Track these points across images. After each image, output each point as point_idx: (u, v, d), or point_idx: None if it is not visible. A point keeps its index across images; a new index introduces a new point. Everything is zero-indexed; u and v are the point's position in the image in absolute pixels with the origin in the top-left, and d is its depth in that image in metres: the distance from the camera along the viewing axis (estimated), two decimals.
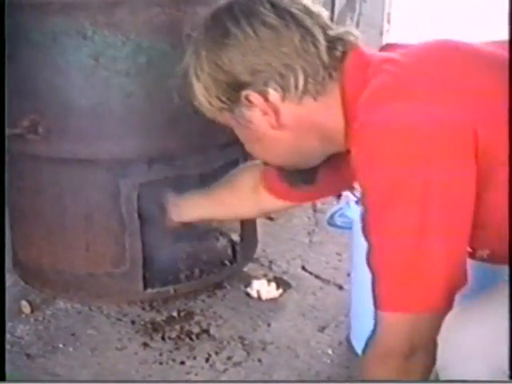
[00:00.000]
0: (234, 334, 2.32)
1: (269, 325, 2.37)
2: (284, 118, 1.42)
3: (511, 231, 1.24)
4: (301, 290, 2.57)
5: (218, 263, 2.54)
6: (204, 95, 1.45)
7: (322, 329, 2.36)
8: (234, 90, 1.41)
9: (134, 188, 2.23)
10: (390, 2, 4.96)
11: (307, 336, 2.32)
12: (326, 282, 2.62)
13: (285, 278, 2.61)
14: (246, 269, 2.63)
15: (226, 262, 2.55)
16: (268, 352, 2.25)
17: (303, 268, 2.70)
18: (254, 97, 1.40)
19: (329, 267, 2.72)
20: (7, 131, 2.14)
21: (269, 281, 2.50)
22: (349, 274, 2.59)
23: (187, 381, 2.10)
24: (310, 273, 2.67)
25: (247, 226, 2.58)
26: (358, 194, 1.97)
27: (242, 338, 2.30)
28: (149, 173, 2.24)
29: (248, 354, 2.24)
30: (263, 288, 2.48)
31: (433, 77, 1.32)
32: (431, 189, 1.23)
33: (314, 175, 1.63)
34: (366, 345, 1.42)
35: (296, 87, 1.38)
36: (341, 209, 2.06)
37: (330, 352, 2.25)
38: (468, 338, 1.24)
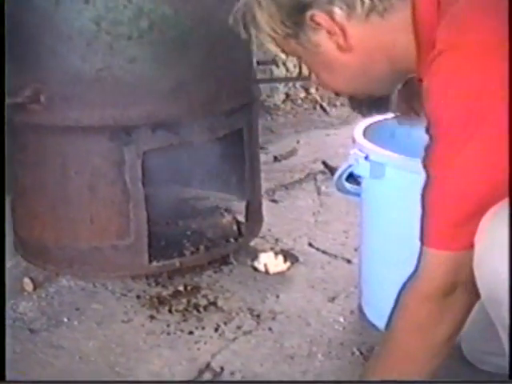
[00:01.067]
0: (243, 305, 2.28)
1: (277, 296, 2.33)
2: (351, 39, 1.35)
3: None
4: (309, 264, 2.52)
5: (223, 239, 2.50)
6: (268, 23, 1.38)
7: (332, 299, 2.32)
8: (298, 12, 1.34)
9: (138, 156, 2.20)
10: None
11: (317, 306, 2.28)
12: (334, 256, 2.58)
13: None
14: (252, 243, 2.58)
15: (231, 239, 2.50)
16: (278, 321, 2.20)
17: (310, 244, 2.66)
18: (320, 16, 1.33)
19: (336, 243, 2.67)
20: (8, 100, 2.12)
21: (276, 254, 2.46)
22: (356, 249, 2.56)
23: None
24: (317, 249, 2.63)
25: (252, 205, 2.54)
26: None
27: (250, 309, 2.26)
28: (153, 140, 2.20)
29: (258, 323, 2.19)
30: (270, 261, 2.44)
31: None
32: (500, 128, 1.20)
33: (386, 103, 1.57)
34: (408, 280, 1.39)
35: (362, 3, 1.31)
36: (349, 166, 2.03)
37: (341, 320, 2.21)
38: (505, 231, 1.21)
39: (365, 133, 2.06)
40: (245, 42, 2.31)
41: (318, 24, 1.34)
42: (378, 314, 2.06)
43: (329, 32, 1.35)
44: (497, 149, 1.22)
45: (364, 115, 1.71)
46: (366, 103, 1.59)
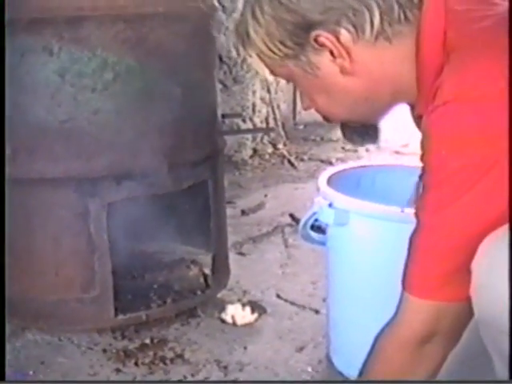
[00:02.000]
0: (210, 357, 2.26)
1: (245, 348, 2.32)
2: (356, 63, 1.27)
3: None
4: (276, 315, 2.52)
5: (190, 292, 2.50)
6: (265, 42, 1.29)
7: (300, 349, 2.31)
8: (301, 32, 1.26)
9: (102, 207, 2.20)
10: None
11: (285, 356, 2.27)
12: (302, 307, 2.57)
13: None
14: (219, 295, 2.57)
15: (198, 292, 2.50)
16: (246, 372, 2.19)
17: (278, 296, 2.65)
18: (326, 37, 1.25)
19: (304, 294, 2.67)
20: None
21: (243, 305, 2.45)
22: (324, 300, 2.56)
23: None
24: (285, 300, 2.62)
25: (218, 257, 2.55)
26: None
27: (218, 361, 2.24)
28: (118, 191, 2.21)
29: (225, 374, 2.18)
30: (238, 312, 2.43)
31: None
32: (501, 183, 1.17)
33: (377, 132, 1.49)
34: (386, 325, 1.37)
35: (371, 25, 1.24)
36: (314, 214, 2.04)
37: (309, 369, 2.20)
38: (503, 259, 1.17)
39: (329, 181, 2.07)
40: (209, 93, 2.37)
41: (322, 45, 1.27)
42: (346, 362, 2.06)
43: (332, 54, 1.27)
44: (492, 204, 1.20)
45: (355, 143, 1.66)
46: (359, 131, 1.50)
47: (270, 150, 4.59)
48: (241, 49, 1.39)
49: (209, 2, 2.37)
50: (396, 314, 1.34)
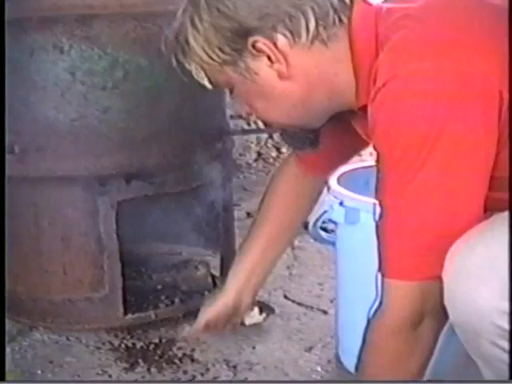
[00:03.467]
0: (219, 357, 2.27)
1: (254, 348, 2.32)
2: (293, 67, 1.32)
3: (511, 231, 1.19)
4: (284, 315, 2.52)
5: (198, 292, 2.50)
6: (204, 48, 1.33)
7: (308, 349, 2.31)
8: (239, 38, 1.30)
9: (112, 206, 2.20)
10: None
11: (294, 356, 2.27)
12: (309, 308, 2.58)
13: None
14: None
15: (206, 292, 2.50)
16: (255, 371, 2.19)
17: (285, 297, 2.66)
18: (263, 43, 1.29)
19: (311, 295, 2.67)
20: None
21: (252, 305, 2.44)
22: (332, 301, 2.56)
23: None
24: (293, 301, 2.63)
25: (227, 258, 2.54)
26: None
27: (227, 361, 2.25)
28: (127, 190, 2.21)
29: (234, 374, 2.18)
30: (246, 313, 2.42)
31: (458, 34, 1.25)
32: (456, 152, 1.19)
33: (318, 137, 1.52)
34: (373, 317, 1.38)
35: (307, 30, 1.28)
36: (324, 212, 2.04)
37: (318, 369, 2.20)
38: (476, 259, 1.20)
39: (339, 180, 2.08)
40: (219, 93, 2.37)
41: (260, 51, 1.30)
42: (356, 362, 2.06)
43: (270, 59, 1.31)
44: (454, 175, 1.21)
45: (294, 148, 1.69)
46: (299, 136, 1.53)
47: (274, 153, 4.59)
48: (180, 57, 1.40)
49: None
50: (380, 304, 1.34)
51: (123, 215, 2.26)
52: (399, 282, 1.30)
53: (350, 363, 2.16)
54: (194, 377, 2.17)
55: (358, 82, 1.34)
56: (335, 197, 2.01)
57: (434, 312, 1.31)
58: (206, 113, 2.33)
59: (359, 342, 1.92)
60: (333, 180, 2.07)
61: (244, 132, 3.65)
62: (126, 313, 2.31)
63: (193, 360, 2.26)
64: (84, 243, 2.25)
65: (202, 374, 2.18)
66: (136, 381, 2.13)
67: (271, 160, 4.54)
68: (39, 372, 2.20)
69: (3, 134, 2.06)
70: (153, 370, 2.20)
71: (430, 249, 1.26)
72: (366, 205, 1.93)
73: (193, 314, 2.39)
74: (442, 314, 1.31)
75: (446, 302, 1.26)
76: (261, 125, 4.06)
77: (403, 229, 1.27)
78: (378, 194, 1.31)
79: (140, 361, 2.26)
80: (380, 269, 1.33)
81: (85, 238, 2.24)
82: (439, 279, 1.26)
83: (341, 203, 1.99)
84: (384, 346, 1.37)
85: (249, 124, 4.06)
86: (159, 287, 2.51)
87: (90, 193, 2.20)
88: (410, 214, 1.25)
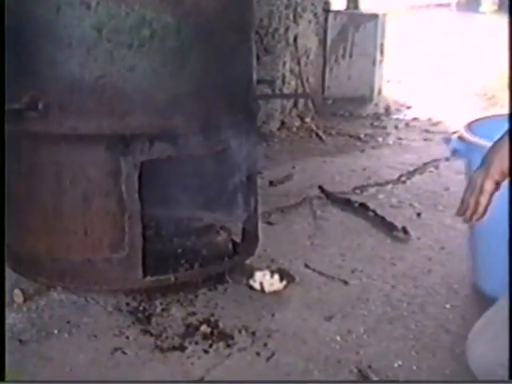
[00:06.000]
0: (238, 323, 2.26)
1: (273, 315, 2.31)
2: None
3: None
4: (305, 284, 2.51)
5: (218, 257, 2.48)
6: None
7: (328, 318, 2.30)
8: None
9: (135, 166, 2.18)
10: (382, 33, 5.00)
11: (314, 325, 2.26)
12: (330, 277, 2.56)
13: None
14: (247, 262, 2.55)
15: (227, 258, 2.49)
16: (274, 339, 2.18)
17: (306, 265, 2.64)
18: None
19: (332, 265, 2.66)
20: (6, 106, 2.11)
21: (272, 272, 2.43)
22: (353, 271, 2.56)
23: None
24: (314, 270, 2.61)
25: (248, 224, 2.54)
26: None
27: (245, 327, 2.24)
28: (151, 151, 2.19)
29: (253, 341, 2.17)
30: (266, 280, 2.42)
31: None
32: None
33: None
34: None
35: None
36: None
37: (338, 339, 2.19)
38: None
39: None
40: (246, 56, 2.34)
41: None
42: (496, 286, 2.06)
43: None
44: None
45: None
46: None
47: (297, 123, 4.56)
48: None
49: None
50: None
51: (146, 177, 2.23)
52: None
53: (492, 288, 2.18)
54: (213, 341, 2.15)
55: None
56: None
57: None
58: (232, 76, 2.30)
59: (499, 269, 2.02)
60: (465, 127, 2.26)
61: (270, 96, 3.62)
62: (145, 275, 2.29)
63: (210, 325, 2.24)
64: (105, 203, 2.23)
65: (219, 340, 2.15)
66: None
67: (294, 129, 4.52)
68: (56, 331, 2.21)
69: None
70: (170, 333, 2.20)
71: None
72: None
73: (212, 280, 2.40)
74: None
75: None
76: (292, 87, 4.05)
77: None
78: None
79: (158, 324, 2.25)
80: None
81: (106, 198, 2.22)
82: None
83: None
84: None
85: (274, 91, 4.03)
86: (179, 251, 2.47)
87: (112, 152, 2.18)
88: None
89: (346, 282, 2.53)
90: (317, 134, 4.36)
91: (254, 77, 2.45)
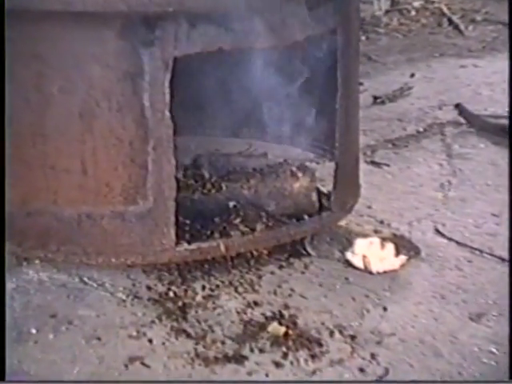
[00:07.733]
0: (327, 320, 2.25)
1: (385, 309, 2.31)
2: None
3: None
4: (435, 261, 2.52)
5: (294, 216, 2.49)
6: None
7: (476, 317, 2.29)
8: None
9: (165, 64, 2.16)
10: None
11: (451, 326, 2.25)
12: (478, 251, 2.56)
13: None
14: (342, 223, 2.55)
15: (308, 216, 2.50)
16: (387, 347, 2.17)
17: (437, 231, 2.65)
18: None
19: (479, 232, 2.67)
20: None
21: (382, 240, 2.41)
22: None
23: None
24: (450, 238, 2.62)
25: (343, 167, 2.53)
26: None
27: (339, 327, 2.23)
28: (190, 40, 2.17)
29: (353, 349, 2.15)
30: (373, 252, 2.40)
31: None
32: None
33: None
34: None
35: None
36: None
37: (493, 349, 2.16)
38: None
39: None
40: None
41: None
42: None
43: None
44: None
45: None
46: None
47: (418, 2, 4.54)
48: None
49: None
50: None
51: (182, 83, 2.21)
52: None
53: None
54: (288, 350, 2.14)
55: None
56: None
57: None
58: None
59: None
60: None
61: None
62: (178, 241, 2.28)
63: (284, 323, 2.23)
64: (116, 123, 2.21)
65: (297, 349, 2.15)
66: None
67: (413, 13, 4.51)
68: (33, 331, 2.20)
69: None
70: (218, 333, 2.19)
71: None
72: None
73: (284, 251, 2.39)
74: None
75: None
76: None
77: None
78: None
79: (196, 323, 2.25)
80: None
81: (118, 114, 2.20)
82: None
83: None
84: None
85: None
86: (232, 205, 2.47)
87: (129, 41, 2.16)
88: None
89: (502, 260, 2.53)
90: (450, 21, 4.35)
91: None
